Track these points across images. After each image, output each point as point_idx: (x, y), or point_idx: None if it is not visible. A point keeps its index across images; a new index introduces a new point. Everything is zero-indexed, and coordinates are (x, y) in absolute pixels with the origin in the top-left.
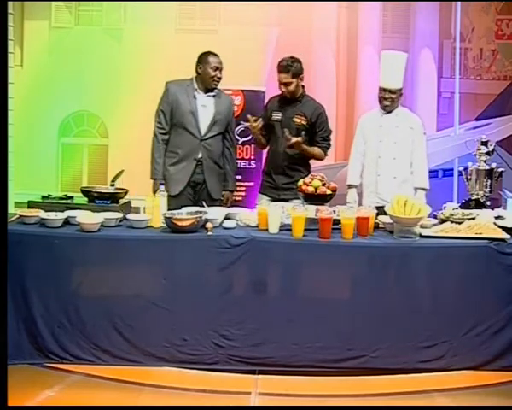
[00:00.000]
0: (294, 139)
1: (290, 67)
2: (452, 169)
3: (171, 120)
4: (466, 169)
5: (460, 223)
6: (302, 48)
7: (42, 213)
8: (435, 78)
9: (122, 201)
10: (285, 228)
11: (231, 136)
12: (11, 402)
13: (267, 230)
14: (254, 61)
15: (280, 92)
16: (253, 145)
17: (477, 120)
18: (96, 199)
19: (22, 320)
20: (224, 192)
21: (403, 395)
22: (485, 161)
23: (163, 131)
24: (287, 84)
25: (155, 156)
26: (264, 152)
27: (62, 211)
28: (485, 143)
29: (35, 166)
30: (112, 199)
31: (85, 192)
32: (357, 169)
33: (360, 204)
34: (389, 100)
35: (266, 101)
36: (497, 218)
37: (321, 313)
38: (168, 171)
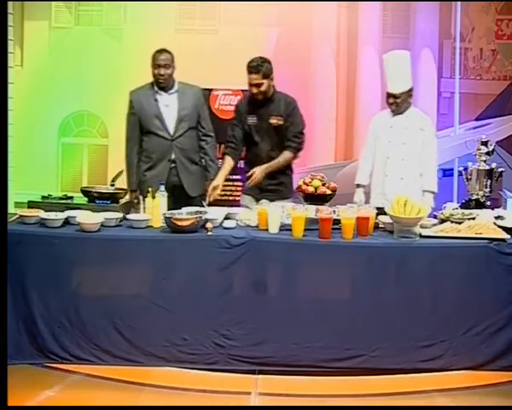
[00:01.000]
0: (254, 180)
1: (261, 68)
2: (452, 169)
3: (141, 126)
4: (466, 169)
5: (460, 223)
6: (302, 48)
7: (42, 213)
8: (435, 78)
9: (122, 201)
10: (285, 228)
11: (204, 125)
12: (11, 402)
13: (267, 230)
14: None
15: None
16: None
17: (477, 120)
18: (96, 199)
19: (22, 320)
20: (207, 182)
21: (403, 395)
22: (485, 161)
23: (132, 142)
24: (258, 85)
25: (128, 169)
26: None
27: (62, 211)
28: (485, 143)
29: (35, 166)
30: (112, 199)
31: (85, 192)
32: (367, 169)
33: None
34: (394, 104)
35: (235, 104)
36: (497, 218)
37: (321, 313)
38: (145, 176)
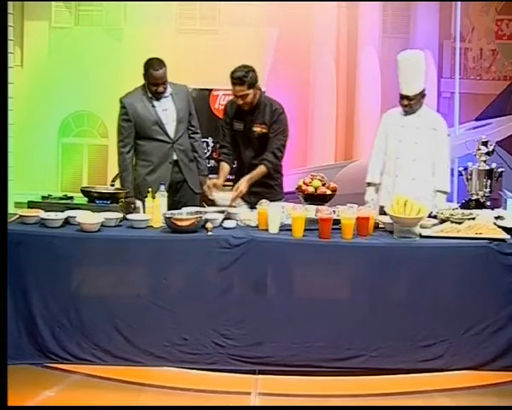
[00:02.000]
0: (242, 188)
1: (245, 78)
2: (452, 169)
3: (137, 133)
4: (466, 169)
5: (460, 223)
6: (302, 48)
7: (42, 214)
8: (435, 78)
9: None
10: (285, 228)
11: (194, 123)
12: (11, 402)
13: (267, 230)
14: (254, 61)
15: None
16: None
17: (477, 120)
18: (96, 199)
19: (22, 320)
20: (199, 177)
21: (403, 395)
22: (485, 161)
23: (127, 149)
24: (243, 97)
25: (123, 175)
26: None
27: (62, 211)
28: (485, 143)
29: (35, 166)
30: (112, 199)
31: (85, 192)
32: (377, 167)
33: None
34: (408, 106)
35: (224, 105)
36: (497, 218)
37: (321, 313)
38: (146, 181)
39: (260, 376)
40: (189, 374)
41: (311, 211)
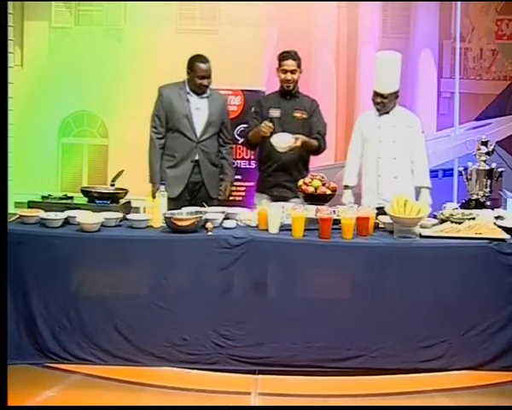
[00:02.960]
0: (299, 142)
1: (296, 56)
2: (452, 169)
3: (167, 124)
4: (466, 169)
5: (460, 223)
6: (302, 48)
7: (42, 213)
8: (435, 78)
9: (122, 201)
10: (285, 228)
11: (225, 133)
12: (11, 402)
13: (267, 230)
14: (254, 61)
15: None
16: None
17: (477, 120)
18: (96, 199)
19: (22, 320)
20: (222, 182)
21: (403, 395)
22: (485, 161)
23: (159, 136)
24: (293, 72)
25: (153, 161)
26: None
27: (62, 211)
28: (485, 143)
29: (35, 166)
30: (112, 199)
31: (85, 192)
32: (354, 170)
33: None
34: (381, 104)
35: (257, 100)
36: (497, 218)
37: (321, 313)
38: (166, 173)
39: (260, 376)
40: (189, 374)
41: (311, 211)
